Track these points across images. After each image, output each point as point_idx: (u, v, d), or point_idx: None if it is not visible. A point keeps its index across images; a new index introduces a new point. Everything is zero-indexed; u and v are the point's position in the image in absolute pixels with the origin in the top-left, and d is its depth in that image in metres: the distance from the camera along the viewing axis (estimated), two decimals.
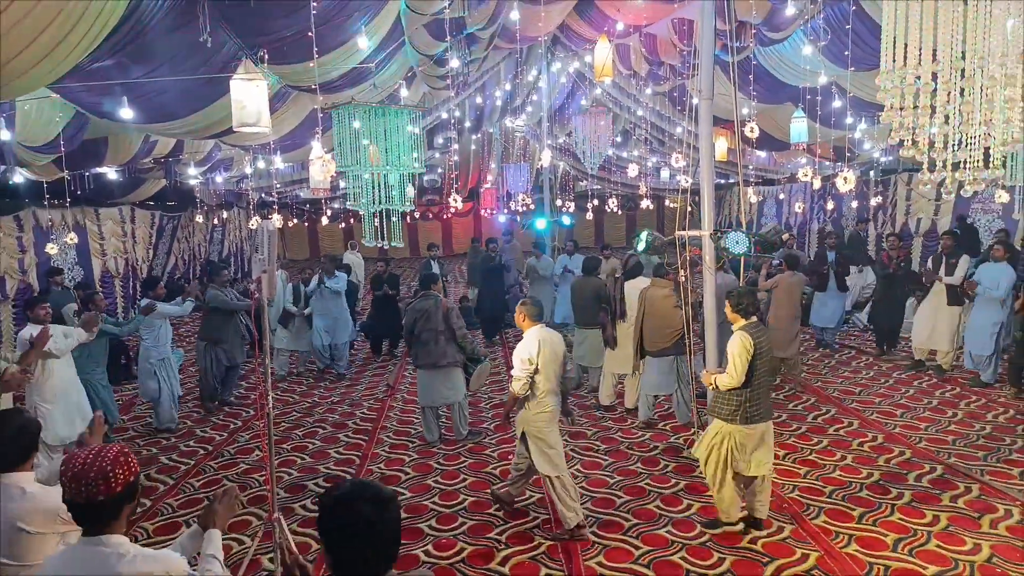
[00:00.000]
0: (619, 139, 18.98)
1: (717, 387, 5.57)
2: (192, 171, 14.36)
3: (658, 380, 8.20)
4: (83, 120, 8.11)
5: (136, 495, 2.65)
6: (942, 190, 13.96)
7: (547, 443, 5.79)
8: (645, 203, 21.07)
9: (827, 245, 12.33)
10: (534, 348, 5.70)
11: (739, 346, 5.41)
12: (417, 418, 8.62)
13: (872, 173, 17.47)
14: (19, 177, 10.58)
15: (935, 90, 3.04)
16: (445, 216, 32.51)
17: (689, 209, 7.08)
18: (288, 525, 5.27)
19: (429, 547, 5.67)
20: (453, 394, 8.05)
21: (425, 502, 6.50)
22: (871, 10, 7.02)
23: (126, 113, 6.76)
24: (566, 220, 18.63)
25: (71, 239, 11.55)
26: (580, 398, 9.57)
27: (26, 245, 12.22)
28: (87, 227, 14.43)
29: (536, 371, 5.70)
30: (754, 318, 5.61)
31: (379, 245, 7.34)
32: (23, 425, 3.27)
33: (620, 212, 28.31)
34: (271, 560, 5.12)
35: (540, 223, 16.57)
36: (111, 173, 12.43)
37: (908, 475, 6.66)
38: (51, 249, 11.09)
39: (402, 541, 2.30)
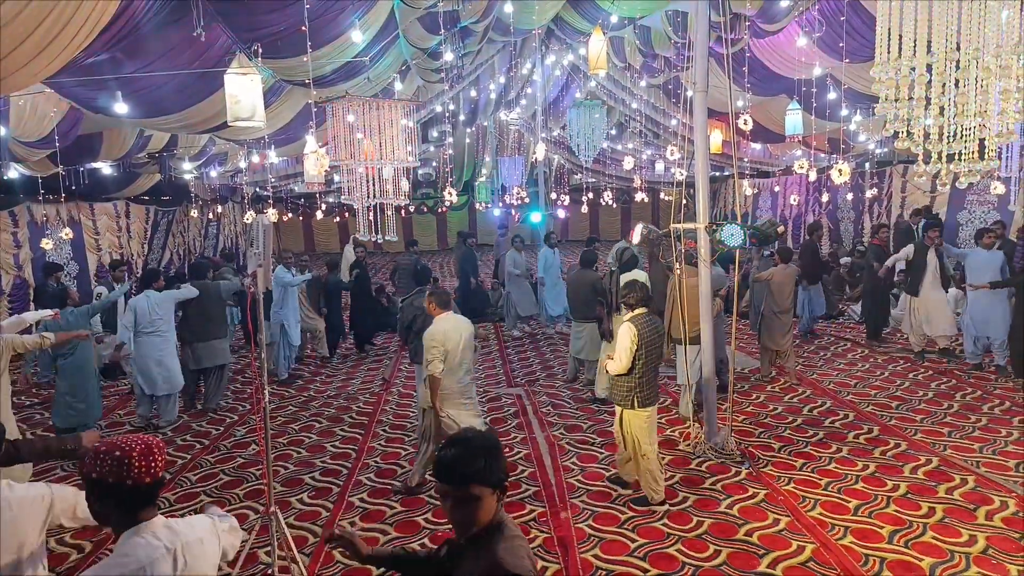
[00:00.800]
0: (614, 132, 18.96)
1: (608, 371, 6.08)
2: (187, 166, 14.36)
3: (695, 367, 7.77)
4: (78, 115, 8.08)
5: None
6: (937, 182, 14.11)
7: (449, 416, 6.32)
8: (640, 196, 21.12)
9: (815, 238, 12.32)
10: (439, 333, 6.18)
11: (626, 336, 5.82)
12: (413, 412, 8.61)
13: (867, 165, 17.50)
14: (14, 172, 10.56)
15: (930, 81, 3.04)
16: (440, 210, 32.46)
17: (684, 202, 7.08)
18: (284, 519, 5.28)
19: (425, 540, 5.68)
20: None
21: (422, 496, 6.50)
22: (866, 1, 7.02)
23: (121, 108, 6.75)
24: (559, 214, 18.61)
25: (67, 234, 11.52)
26: (576, 391, 9.59)
27: (21, 240, 12.19)
28: (82, 222, 14.39)
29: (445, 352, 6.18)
30: (642, 309, 5.97)
31: (373, 239, 7.33)
32: None
33: (615, 205, 28.36)
34: (267, 554, 5.13)
35: (535, 216, 16.51)
36: (106, 168, 12.39)
37: (904, 467, 6.68)
38: (46, 244, 11.07)
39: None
